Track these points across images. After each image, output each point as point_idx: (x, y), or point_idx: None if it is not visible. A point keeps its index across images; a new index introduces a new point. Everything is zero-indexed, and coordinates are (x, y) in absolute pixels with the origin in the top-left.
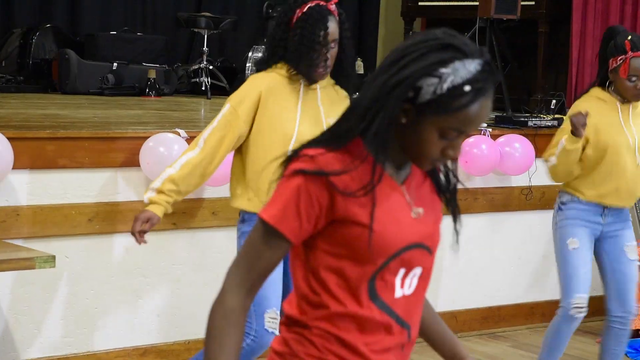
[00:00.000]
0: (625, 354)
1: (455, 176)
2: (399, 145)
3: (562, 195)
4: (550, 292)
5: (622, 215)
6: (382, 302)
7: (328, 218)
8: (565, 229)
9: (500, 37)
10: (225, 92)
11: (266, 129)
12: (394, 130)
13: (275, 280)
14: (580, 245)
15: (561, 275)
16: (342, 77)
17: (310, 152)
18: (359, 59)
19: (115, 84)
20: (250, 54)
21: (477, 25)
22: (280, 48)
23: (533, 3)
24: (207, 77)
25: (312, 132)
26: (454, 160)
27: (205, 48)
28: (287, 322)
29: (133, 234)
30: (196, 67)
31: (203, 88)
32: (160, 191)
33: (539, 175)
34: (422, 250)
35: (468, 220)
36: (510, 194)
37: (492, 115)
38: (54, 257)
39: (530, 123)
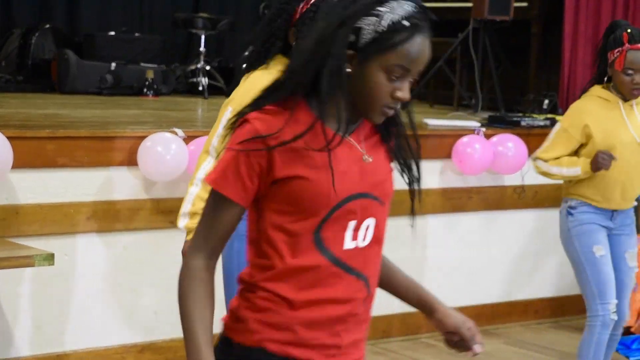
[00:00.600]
0: (616, 350)
1: (416, 153)
2: (349, 100)
3: (568, 200)
4: (543, 289)
5: (628, 217)
6: (330, 253)
7: (270, 178)
8: (585, 236)
9: (494, 37)
10: (222, 92)
11: None
12: (343, 84)
13: None
14: (605, 251)
15: (591, 283)
16: None
17: (256, 121)
18: None
19: (114, 84)
20: (247, 54)
21: (470, 26)
22: (279, 42)
23: (526, 4)
24: (205, 77)
25: None
26: (405, 101)
27: (202, 48)
28: (240, 287)
29: None
30: (194, 67)
31: (200, 88)
32: (194, 214)
33: (531, 174)
34: (371, 200)
35: (462, 219)
36: (503, 192)
37: (486, 115)
38: (52, 255)
39: (523, 123)
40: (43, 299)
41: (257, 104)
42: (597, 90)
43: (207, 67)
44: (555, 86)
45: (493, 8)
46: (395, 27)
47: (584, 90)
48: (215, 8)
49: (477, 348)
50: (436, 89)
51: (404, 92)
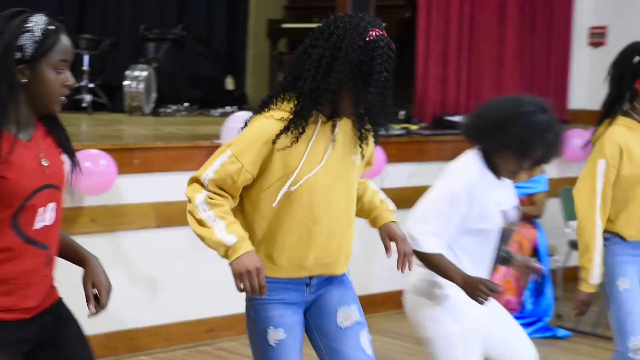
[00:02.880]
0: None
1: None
2: (28, 106)
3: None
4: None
5: None
6: (24, 234)
7: None
8: (613, 268)
9: None
10: (105, 109)
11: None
12: (19, 94)
13: None
14: (631, 284)
15: (614, 318)
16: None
17: None
18: (229, 76)
19: None
20: (129, 72)
21: None
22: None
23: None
24: (89, 95)
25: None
26: (72, 85)
27: (86, 67)
28: None
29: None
30: (77, 85)
31: (84, 105)
32: None
33: (389, 179)
34: (52, 189)
35: None
36: None
37: None
38: None
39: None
40: None
41: None
42: (622, 119)
43: (91, 85)
44: (409, 99)
45: None
46: (46, 33)
47: (603, 119)
48: (96, 29)
49: (90, 308)
50: None
51: (70, 79)
